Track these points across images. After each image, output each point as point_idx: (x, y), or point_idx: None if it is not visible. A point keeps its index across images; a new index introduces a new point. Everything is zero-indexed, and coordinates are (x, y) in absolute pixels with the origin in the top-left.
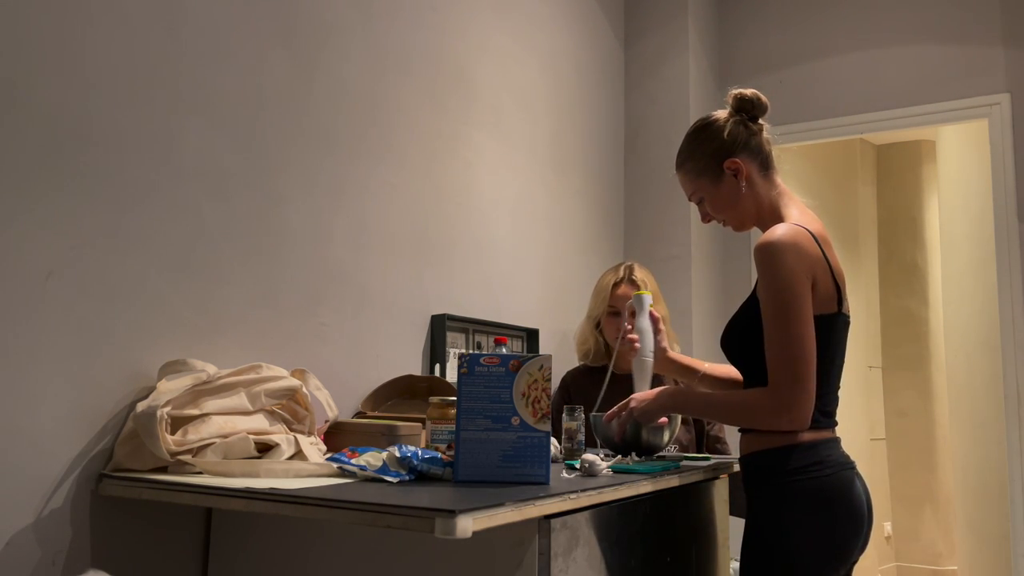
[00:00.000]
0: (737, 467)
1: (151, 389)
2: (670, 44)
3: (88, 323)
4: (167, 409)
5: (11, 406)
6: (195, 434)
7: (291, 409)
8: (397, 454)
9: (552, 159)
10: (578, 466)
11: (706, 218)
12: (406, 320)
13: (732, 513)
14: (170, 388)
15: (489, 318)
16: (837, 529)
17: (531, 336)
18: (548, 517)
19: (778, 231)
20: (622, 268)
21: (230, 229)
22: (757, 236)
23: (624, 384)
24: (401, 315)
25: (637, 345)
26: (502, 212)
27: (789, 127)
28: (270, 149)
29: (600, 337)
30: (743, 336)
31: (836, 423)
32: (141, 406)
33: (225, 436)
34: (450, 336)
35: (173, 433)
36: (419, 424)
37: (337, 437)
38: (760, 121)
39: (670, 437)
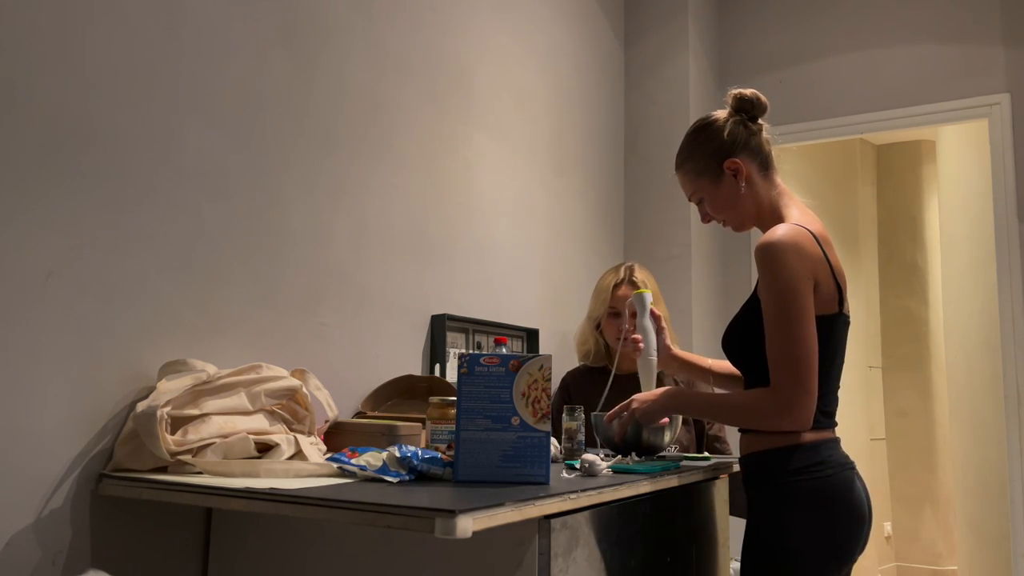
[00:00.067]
0: (737, 467)
1: (151, 389)
2: (670, 44)
3: (88, 323)
4: (167, 409)
5: (11, 406)
6: (195, 434)
7: (291, 409)
8: (397, 454)
9: (552, 159)
10: (578, 466)
11: (706, 218)
12: (406, 320)
13: (732, 513)
14: (170, 388)
15: (489, 318)
16: (837, 529)
17: (531, 336)
18: (548, 517)
19: (779, 231)
20: (622, 269)
21: (230, 229)
22: (757, 236)
23: (627, 384)
24: (401, 315)
25: (641, 345)
26: (502, 212)
27: (789, 127)
28: (270, 149)
29: (600, 338)
30: (744, 336)
31: (836, 423)
32: (141, 406)
33: (225, 436)
34: (450, 336)
35: (173, 433)
36: (419, 424)
37: (337, 437)
38: (760, 121)
39: (671, 437)
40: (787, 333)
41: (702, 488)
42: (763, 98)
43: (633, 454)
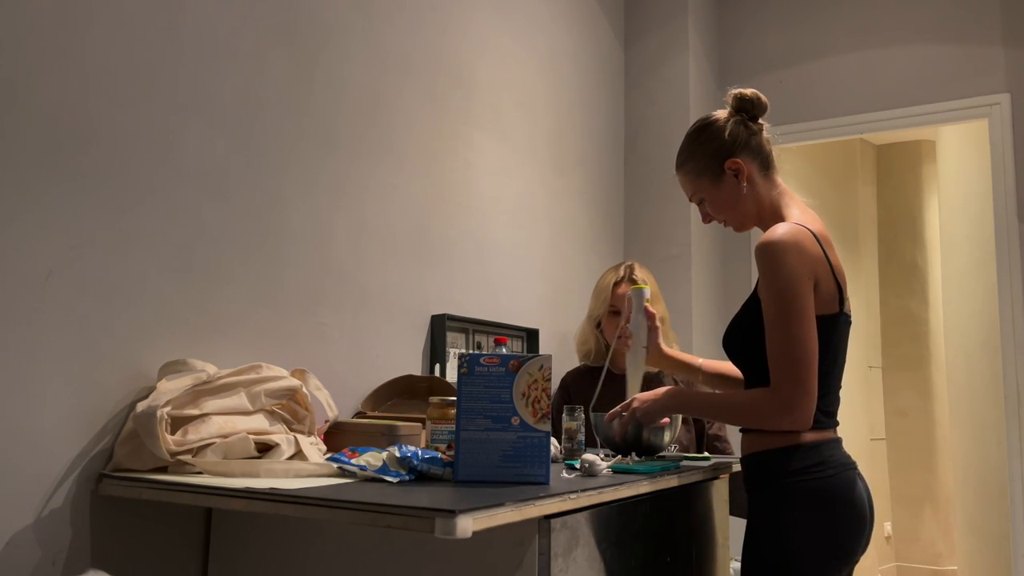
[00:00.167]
0: (737, 467)
1: (151, 389)
2: (670, 44)
3: (88, 323)
4: (167, 409)
5: (11, 406)
6: (195, 434)
7: (291, 409)
8: (397, 454)
9: (552, 159)
10: (578, 466)
11: (707, 218)
12: (406, 320)
13: (732, 513)
14: (170, 388)
15: (489, 318)
16: (839, 530)
17: (531, 336)
18: (548, 517)
19: (779, 230)
20: (623, 268)
21: (230, 229)
22: (757, 236)
23: (622, 383)
24: (401, 315)
25: (631, 343)
26: (502, 212)
27: (789, 127)
28: (270, 149)
29: (601, 337)
30: (745, 336)
31: (837, 423)
32: (141, 406)
33: (225, 436)
34: (450, 336)
35: (173, 433)
36: (419, 424)
37: (337, 437)
38: (760, 121)
39: (671, 437)
40: (787, 333)
41: (702, 488)
42: (763, 98)
43: (633, 454)
